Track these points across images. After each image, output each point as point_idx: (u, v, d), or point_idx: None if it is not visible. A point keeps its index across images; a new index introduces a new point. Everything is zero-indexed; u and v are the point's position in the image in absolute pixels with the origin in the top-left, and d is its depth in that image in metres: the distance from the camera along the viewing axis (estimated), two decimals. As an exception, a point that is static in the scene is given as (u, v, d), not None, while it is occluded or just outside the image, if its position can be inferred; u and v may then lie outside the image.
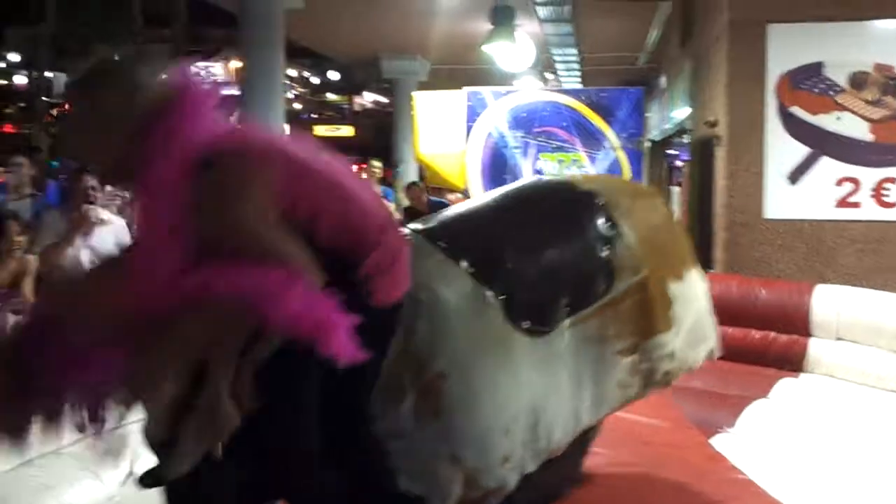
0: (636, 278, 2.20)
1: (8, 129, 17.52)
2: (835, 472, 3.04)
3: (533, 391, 1.99)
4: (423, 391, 1.89)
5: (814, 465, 3.11)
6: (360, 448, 1.82)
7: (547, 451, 2.04)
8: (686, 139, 8.73)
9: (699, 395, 3.72)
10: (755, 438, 3.44)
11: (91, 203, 3.91)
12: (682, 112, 8.94)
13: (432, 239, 2.05)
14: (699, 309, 2.37)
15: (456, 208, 2.43)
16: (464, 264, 1.99)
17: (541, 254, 2.13)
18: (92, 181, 3.95)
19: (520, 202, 2.31)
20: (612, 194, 2.34)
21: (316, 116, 27.50)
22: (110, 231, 4.02)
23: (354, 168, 6.01)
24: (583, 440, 2.34)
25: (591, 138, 6.94)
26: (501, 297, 1.98)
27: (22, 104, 17.86)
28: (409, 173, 10.45)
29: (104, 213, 4.03)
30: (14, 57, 20.91)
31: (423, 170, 7.77)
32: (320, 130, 24.88)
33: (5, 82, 19.18)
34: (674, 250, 2.37)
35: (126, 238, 4.10)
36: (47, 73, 17.21)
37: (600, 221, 2.23)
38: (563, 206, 2.30)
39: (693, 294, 2.35)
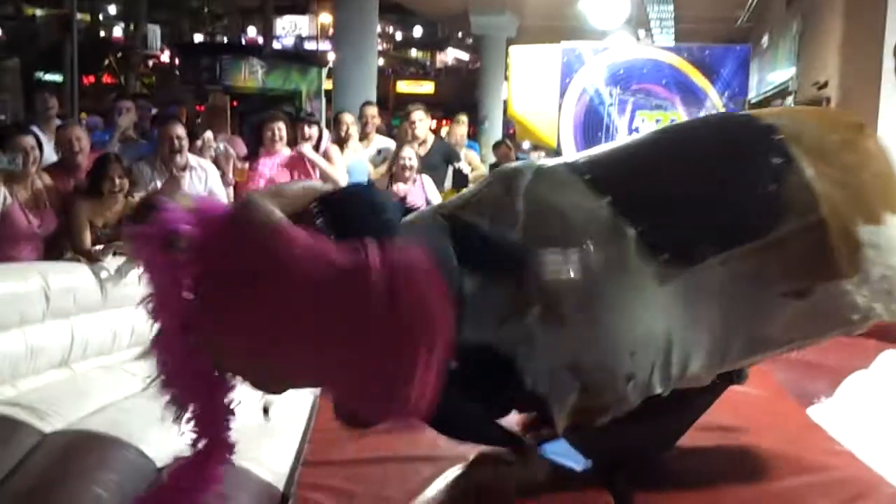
0: (811, 218, 2.08)
1: (106, 79, 18.16)
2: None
3: (669, 320, 2.04)
4: (552, 300, 2.01)
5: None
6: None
7: (680, 379, 2.07)
8: (787, 102, 8.37)
9: (797, 365, 3.62)
10: (854, 410, 3.33)
11: (178, 152, 4.01)
12: (782, 74, 8.57)
13: (577, 171, 2.17)
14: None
15: (615, 143, 2.52)
16: (607, 198, 2.09)
17: (692, 188, 2.12)
18: (179, 130, 4.07)
19: (685, 137, 2.29)
20: (796, 128, 2.21)
21: (398, 72, 27.57)
22: (200, 177, 4.16)
23: (433, 123, 5.97)
24: (714, 388, 2.34)
25: (692, 97, 6.71)
26: (638, 229, 2.05)
27: (119, 55, 18.47)
28: (495, 130, 10.42)
29: (192, 159, 4.14)
30: (112, 9, 21.62)
31: (511, 126, 7.70)
32: (402, 86, 24.95)
33: (104, 34, 19.84)
34: (873, 191, 2.17)
35: (215, 182, 4.24)
36: (143, 26, 17.72)
37: (772, 156, 2.12)
38: (730, 139, 2.22)
39: (892, 241, 2.14)
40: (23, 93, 13.32)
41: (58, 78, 13.39)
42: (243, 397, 3.04)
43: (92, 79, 17.29)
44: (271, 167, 4.72)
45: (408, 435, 2.60)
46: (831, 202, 2.08)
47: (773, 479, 2.38)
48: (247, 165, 4.73)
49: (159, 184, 4.02)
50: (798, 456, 2.55)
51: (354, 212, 2.03)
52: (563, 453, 2.49)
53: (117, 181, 3.63)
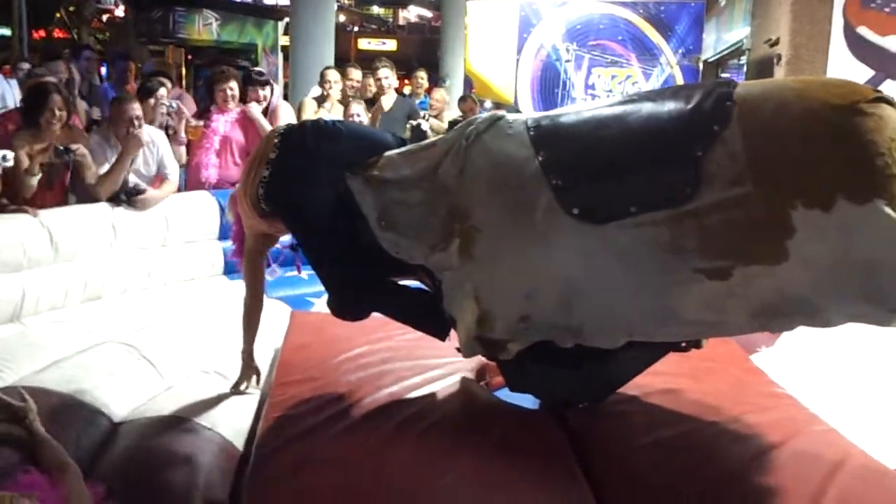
0: (734, 192, 1.95)
1: (58, 33, 17.60)
2: (873, 391, 3.06)
3: (570, 272, 2.12)
4: (463, 236, 2.25)
5: (853, 383, 3.13)
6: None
7: (582, 334, 2.14)
8: (742, 61, 8.45)
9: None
10: (794, 357, 3.46)
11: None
12: (739, 33, 8.63)
13: (526, 126, 2.26)
14: (854, 253, 1.86)
15: (583, 105, 2.62)
16: (540, 152, 2.19)
17: (620, 150, 2.13)
18: (136, 110, 3.97)
19: (641, 103, 2.21)
20: (755, 94, 2.05)
21: (359, 29, 27.11)
22: (152, 151, 4.09)
23: (397, 82, 5.98)
24: (652, 352, 2.42)
25: (647, 53, 6.74)
26: (556, 183, 2.13)
27: (71, 9, 17.89)
28: (456, 87, 10.34)
29: (146, 131, 4.03)
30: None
31: (471, 83, 7.67)
32: (363, 43, 24.57)
33: (55, -14, 19.16)
34: (824, 172, 1.90)
35: (166, 153, 4.17)
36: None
37: (712, 123, 2.00)
38: (680, 108, 2.10)
39: (845, 232, 1.86)
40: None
41: (6, 32, 12.92)
42: (199, 359, 3.09)
43: (43, 33, 16.74)
44: (224, 123, 4.67)
45: (367, 389, 2.67)
46: (762, 177, 1.93)
47: (714, 419, 2.48)
48: (201, 123, 4.65)
49: (112, 158, 3.92)
50: (738, 398, 2.66)
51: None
52: (516, 397, 2.61)
53: (57, 112, 3.53)
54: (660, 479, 2.17)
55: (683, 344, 2.41)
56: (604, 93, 6.73)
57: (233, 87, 4.69)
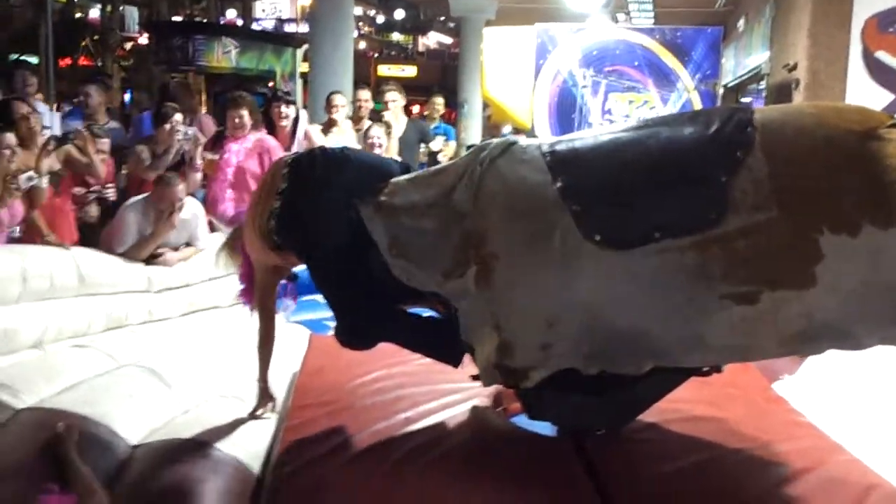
0: (759, 217, 1.95)
1: (83, 61, 17.92)
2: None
3: (592, 299, 2.08)
4: (481, 263, 2.20)
5: (876, 412, 3.08)
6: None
7: (606, 361, 2.11)
8: (762, 86, 8.44)
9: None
10: (817, 386, 3.41)
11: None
12: (758, 58, 8.63)
13: (542, 151, 2.24)
14: (882, 276, 1.90)
15: (599, 130, 2.58)
16: (557, 177, 2.15)
17: (641, 176, 2.11)
18: (180, 194, 3.91)
19: (659, 128, 2.22)
20: (779, 123, 2.07)
21: (379, 55, 27.40)
22: (186, 222, 4.06)
23: (416, 108, 6.02)
24: (674, 378, 2.38)
25: (665, 79, 6.74)
26: (577, 209, 2.10)
27: (96, 37, 18.22)
28: (474, 112, 10.41)
29: (185, 209, 3.99)
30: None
31: (488, 108, 7.71)
32: (384, 70, 24.82)
33: (81, 15, 19.55)
34: (849, 198, 1.93)
35: (200, 227, 4.15)
36: (120, 8, 17.49)
37: (734, 148, 2.01)
38: (700, 132, 2.12)
39: (872, 256, 1.90)
40: (-3, 75, 13.13)
41: (33, 60, 13.19)
42: (214, 382, 3.10)
43: (69, 61, 17.06)
44: (238, 153, 4.60)
45: (382, 414, 2.66)
46: (787, 202, 1.95)
47: (736, 447, 2.44)
48: (216, 157, 4.64)
49: (146, 229, 3.90)
50: (759, 426, 2.62)
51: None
52: (534, 424, 2.58)
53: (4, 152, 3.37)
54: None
55: (706, 368, 2.37)
56: (621, 118, 6.73)
57: (242, 114, 4.61)
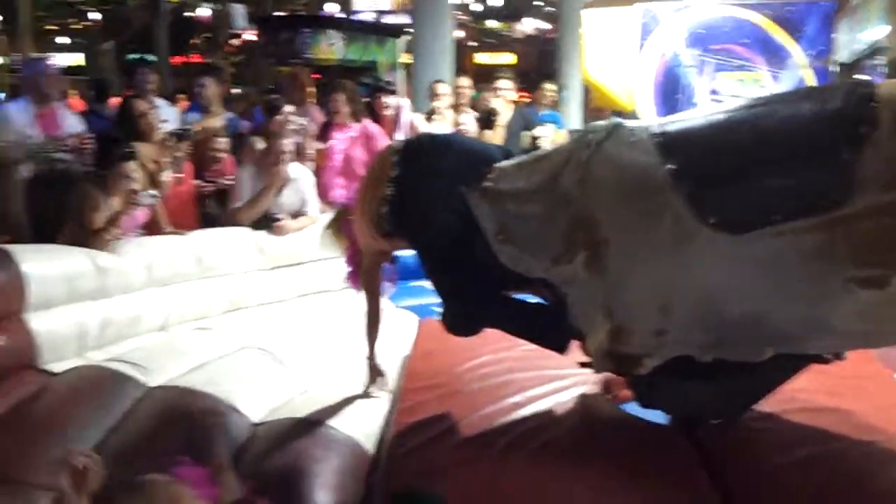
0: (887, 197, 1.87)
1: (195, 59, 18.76)
2: None
3: (708, 284, 2.03)
4: (591, 248, 2.17)
5: None
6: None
7: (723, 347, 2.06)
8: (880, 61, 7.95)
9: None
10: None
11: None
12: (875, 32, 8.14)
13: (650, 133, 2.19)
14: None
15: (709, 110, 2.48)
16: (669, 159, 2.10)
17: (757, 156, 2.04)
18: (287, 147, 4.13)
19: (774, 106, 2.15)
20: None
21: (477, 44, 27.39)
22: (297, 187, 4.26)
23: (516, 95, 6.01)
24: (794, 365, 2.31)
25: (775, 56, 6.41)
26: (689, 192, 2.04)
27: (207, 35, 19.04)
28: (575, 97, 10.26)
29: (293, 171, 4.23)
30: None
31: (589, 92, 7.59)
32: (481, 58, 24.81)
33: (191, 14, 20.44)
34: None
35: (308, 191, 4.35)
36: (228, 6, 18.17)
37: (858, 125, 1.91)
38: (819, 109, 2.04)
39: None
40: (118, 74, 13.93)
41: (149, 58, 13.90)
42: (328, 363, 3.22)
43: (182, 58, 17.91)
44: (343, 141, 4.79)
45: (490, 398, 2.70)
46: None
47: (860, 439, 2.34)
48: (324, 146, 4.81)
49: (256, 188, 4.14)
50: (884, 419, 2.50)
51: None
52: (645, 412, 2.56)
53: (133, 176, 3.54)
54: (804, 501, 2.07)
55: (827, 355, 2.28)
56: (729, 97, 6.47)
57: (339, 98, 4.81)
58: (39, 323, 2.98)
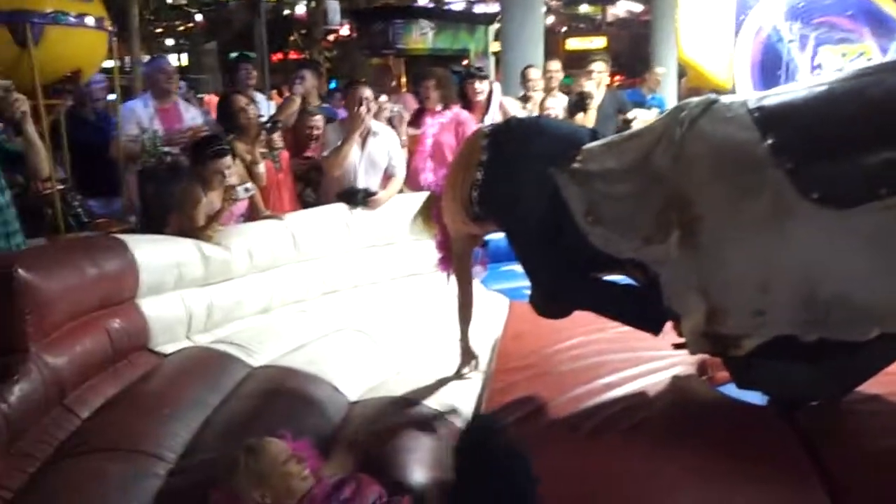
0: None
1: (293, 55, 19.28)
2: None
3: (810, 261, 1.97)
4: (685, 227, 2.12)
5: None
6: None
7: (826, 327, 1.99)
8: None
9: None
10: None
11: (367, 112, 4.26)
12: None
13: (747, 108, 2.15)
14: None
15: (807, 83, 2.40)
16: (768, 134, 2.05)
17: (862, 130, 1.98)
18: (367, 92, 4.32)
19: (880, 76, 2.09)
20: None
21: (567, 29, 26.99)
22: (381, 141, 4.38)
23: (607, 80, 5.95)
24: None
25: (882, 26, 6.08)
26: (791, 166, 1.99)
27: (303, 31, 19.52)
28: (670, 78, 10.00)
29: (376, 125, 4.38)
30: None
31: (685, 72, 7.40)
32: (572, 43, 24.44)
33: (289, 12, 21.00)
34: None
35: (394, 146, 4.46)
36: (323, 3, 18.58)
37: None
38: None
39: None
40: (220, 71, 14.49)
41: (250, 55, 14.41)
42: (421, 344, 3.29)
43: (280, 55, 18.44)
44: (435, 127, 4.86)
45: (582, 379, 2.70)
46: None
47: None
48: (417, 131, 4.90)
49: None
50: None
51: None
52: (742, 394, 2.50)
53: (228, 172, 3.64)
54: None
55: None
56: (833, 72, 6.19)
57: (429, 85, 4.88)
58: (151, 308, 3.15)
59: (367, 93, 4.30)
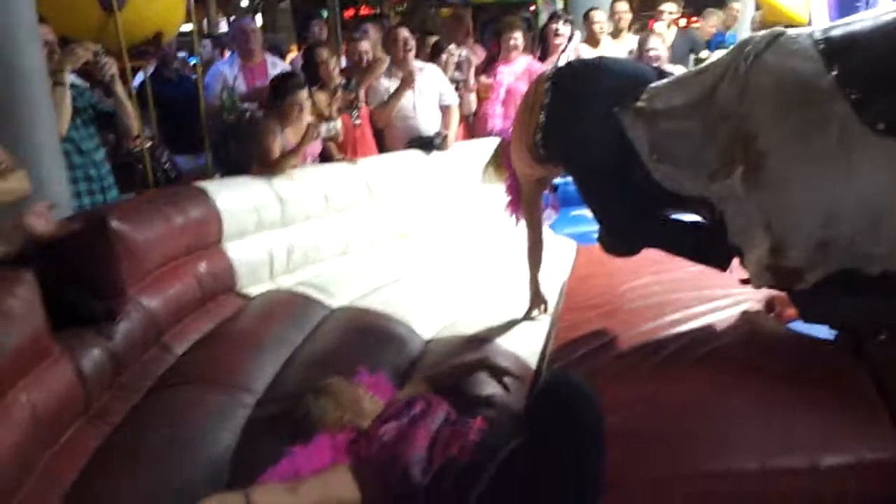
0: None
1: (364, 11, 19.32)
2: None
3: (875, 193, 1.96)
4: (749, 162, 2.12)
5: None
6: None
7: (891, 260, 1.98)
8: None
9: None
10: None
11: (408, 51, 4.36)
12: None
13: (813, 40, 2.12)
14: None
15: (881, 9, 2.35)
16: (833, 65, 2.02)
17: None
18: (406, 32, 4.39)
19: None
20: None
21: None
22: (428, 77, 4.46)
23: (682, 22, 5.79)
24: None
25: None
26: (857, 97, 1.97)
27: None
28: (747, 12, 9.62)
29: (419, 63, 4.50)
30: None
31: (757, 7, 7.12)
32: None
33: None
34: None
35: (443, 82, 4.52)
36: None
37: None
38: None
39: None
40: (295, 30, 14.66)
41: (323, 14, 14.52)
42: (490, 287, 3.37)
43: (352, 12, 18.50)
44: (508, 75, 4.90)
45: (649, 315, 2.73)
46: None
47: None
48: (490, 80, 4.93)
49: (391, 89, 4.41)
50: None
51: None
52: (810, 328, 2.50)
53: (305, 105, 3.75)
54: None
55: None
56: (901, 2, 5.85)
57: (516, 36, 4.91)
58: (235, 251, 3.32)
59: (407, 33, 4.39)
